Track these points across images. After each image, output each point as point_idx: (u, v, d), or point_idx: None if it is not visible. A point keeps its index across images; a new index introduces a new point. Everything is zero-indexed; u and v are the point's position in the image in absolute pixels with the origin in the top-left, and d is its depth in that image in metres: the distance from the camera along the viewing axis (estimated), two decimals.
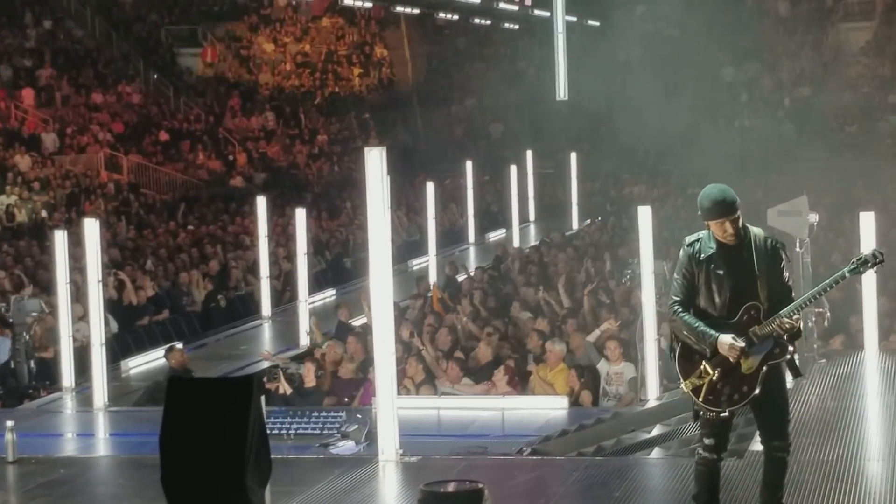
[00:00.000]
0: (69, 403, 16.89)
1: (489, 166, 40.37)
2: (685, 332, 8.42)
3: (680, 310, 8.41)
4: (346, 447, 13.47)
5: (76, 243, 18.82)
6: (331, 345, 18.02)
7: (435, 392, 16.32)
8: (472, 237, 33.41)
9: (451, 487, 8.07)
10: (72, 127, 39.73)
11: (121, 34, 46.18)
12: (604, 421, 13.99)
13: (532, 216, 36.84)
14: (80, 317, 19.08)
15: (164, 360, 18.92)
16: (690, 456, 11.84)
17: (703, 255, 8.40)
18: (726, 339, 8.25)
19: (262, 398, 7.67)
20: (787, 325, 8.28)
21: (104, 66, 44.26)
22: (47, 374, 18.71)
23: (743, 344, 8.25)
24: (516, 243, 31.38)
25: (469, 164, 33.33)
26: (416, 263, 29.50)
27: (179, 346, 18.59)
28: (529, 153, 36.57)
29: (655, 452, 12.47)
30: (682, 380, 8.47)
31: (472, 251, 32.37)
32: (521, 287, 22.44)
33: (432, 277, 26.53)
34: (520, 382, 16.27)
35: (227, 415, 7.36)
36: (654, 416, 13.73)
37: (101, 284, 16.92)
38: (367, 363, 16.69)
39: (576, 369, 16.48)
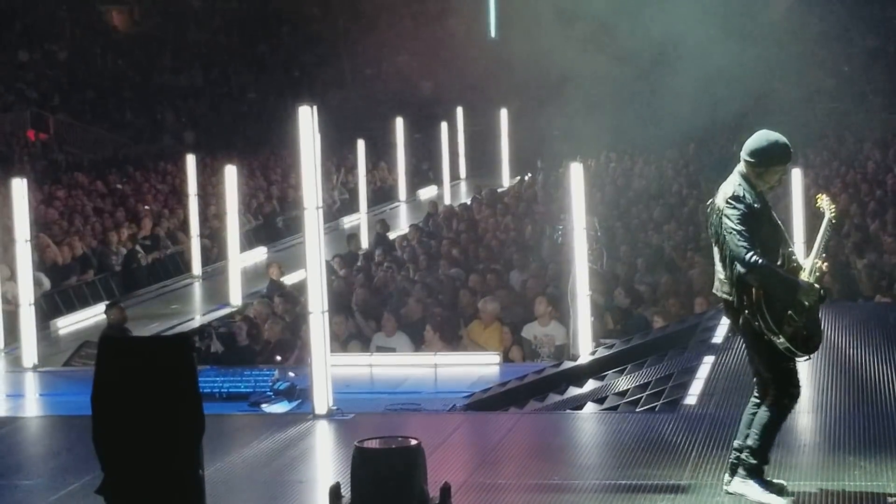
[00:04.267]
0: None
1: (420, 124, 40.29)
2: (773, 281, 8.28)
3: (763, 261, 8.21)
4: (278, 405, 13.45)
5: (2, 203, 18.63)
6: (257, 304, 17.98)
7: (362, 348, 16.36)
8: (402, 195, 33.38)
9: (385, 444, 8.06)
10: None
11: None
12: (536, 377, 14.03)
13: (463, 173, 36.86)
14: (8, 277, 18.90)
15: (93, 319, 18.80)
16: (627, 410, 11.97)
17: (757, 206, 8.35)
18: (806, 283, 8.34)
19: (194, 356, 7.61)
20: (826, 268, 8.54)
21: (29, 24, 43.69)
22: None
23: (819, 286, 8.38)
24: (447, 200, 31.41)
25: (399, 122, 33.26)
26: (348, 221, 29.48)
27: (120, 303, 18.53)
28: (460, 110, 36.54)
29: (588, 407, 12.53)
30: (776, 332, 8.25)
31: (402, 209, 32.35)
32: (450, 243, 22.47)
33: (364, 236, 26.54)
34: (450, 336, 16.34)
35: (159, 373, 7.28)
36: (587, 371, 13.79)
37: (29, 244, 16.75)
38: (298, 322, 16.68)
39: (509, 326, 16.58)
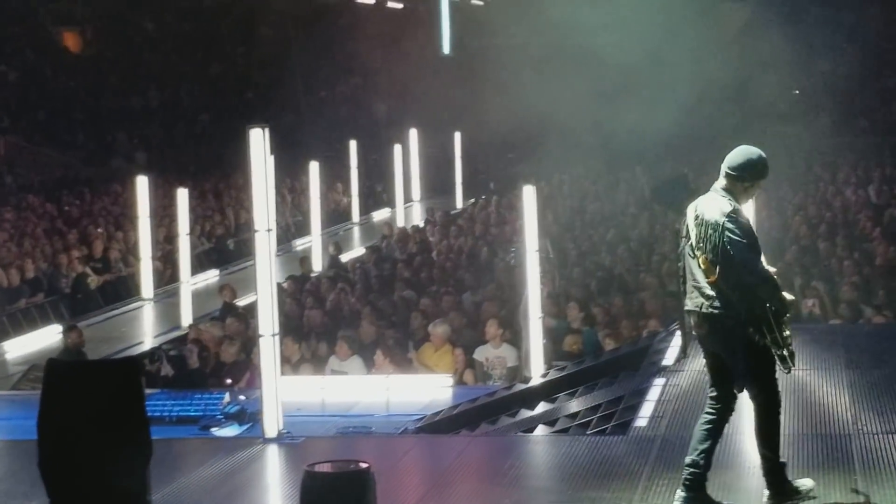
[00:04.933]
0: None
1: (374, 146, 40.28)
2: (776, 294, 8.48)
3: (769, 273, 8.48)
4: (228, 429, 13.37)
5: None
6: (209, 326, 17.90)
7: (314, 371, 16.30)
8: (356, 217, 33.35)
9: (335, 468, 8.01)
10: None
11: None
12: (488, 399, 14.02)
13: (417, 195, 36.86)
14: None
15: (42, 343, 18.67)
16: (578, 432, 11.95)
17: (746, 219, 8.59)
18: (789, 296, 8.62)
19: (143, 380, 7.55)
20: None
21: None
22: None
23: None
24: (401, 223, 31.39)
25: (353, 144, 33.24)
26: (301, 244, 29.40)
27: (77, 326, 18.48)
28: (414, 132, 36.56)
29: (539, 430, 12.52)
30: (780, 345, 8.45)
31: (356, 231, 32.32)
32: (403, 266, 22.46)
33: (317, 257, 26.47)
34: (402, 360, 16.30)
35: (106, 398, 7.22)
36: (538, 394, 13.78)
37: None
38: (249, 345, 16.60)
39: (462, 348, 16.56)
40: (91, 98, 43.93)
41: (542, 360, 15.00)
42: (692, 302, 8.65)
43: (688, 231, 8.68)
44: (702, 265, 8.53)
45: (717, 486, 8.88)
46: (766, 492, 8.72)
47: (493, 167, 38.99)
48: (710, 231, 8.46)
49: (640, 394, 12.22)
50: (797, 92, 43.37)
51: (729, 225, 8.41)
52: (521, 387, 14.25)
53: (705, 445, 8.61)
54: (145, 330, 21.91)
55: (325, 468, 8.02)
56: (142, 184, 23.78)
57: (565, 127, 38.98)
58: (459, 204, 35.12)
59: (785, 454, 9.97)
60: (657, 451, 10.34)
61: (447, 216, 30.04)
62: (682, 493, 8.61)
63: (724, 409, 8.70)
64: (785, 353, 8.44)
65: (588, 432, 11.88)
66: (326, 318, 18.84)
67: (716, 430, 8.67)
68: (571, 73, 42.24)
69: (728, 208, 8.46)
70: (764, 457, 8.72)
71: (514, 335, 16.26)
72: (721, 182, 8.64)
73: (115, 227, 28.75)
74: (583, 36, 42.62)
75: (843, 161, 34.70)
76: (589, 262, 22.19)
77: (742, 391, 8.68)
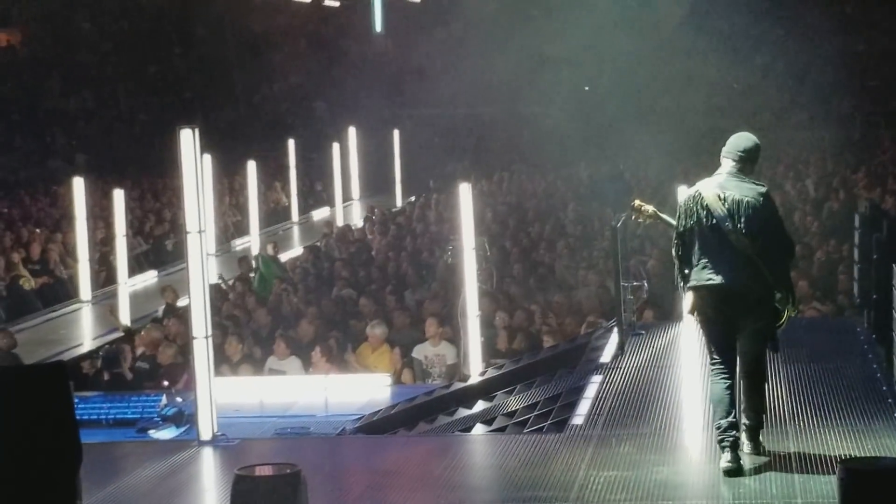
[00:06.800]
0: None
1: (313, 144, 40.17)
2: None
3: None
4: (165, 431, 13.30)
5: None
6: (149, 328, 17.78)
7: (254, 371, 16.22)
8: (295, 216, 33.25)
9: (265, 471, 7.94)
10: None
11: None
12: (426, 398, 13.99)
13: (356, 194, 36.81)
14: None
15: None
16: (515, 431, 11.94)
17: None
18: None
19: (70, 384, 7.44)
20: None
21: None
22: None
23: None
24: (340, 221, 31.33)
25: (291, 143, 33.14)
26: (240, 243, 29.29)
27: (7, 328, 18.31)
28: (352, 130, 36.49)
29: (477, 428, 12.49)
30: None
31: (295, 230, 32.22)
32: (342, 265, 22.40)
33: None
34: (340, 360, 16.25)
35: (32, 403, 7.12)
36: (476, 392, 13.75)
37: None
38: (189, 346, 16.48)
39: (400, 348, 16.52)
40: (28, 99, 43.54)
41: (481, 357, 14.98)
42: (719, 276, 9.08)
43: (709, 212, 9.05)
44: (736, 241, 8.98)
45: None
46: (748, 444, 9.46)
47: (433, 165, 38.93)
48: (750, 210, 8.96)
49: (578, 391, 12.22)
50: (736, 86, 43.56)
51: (772, 205, 9.09)
52: (459, 385, 14.22)
53: (729, 403, 9.20)
54: (84, 332, 21.74)
55: (254, 472, 7.96)
56: (78, 185, 23.61)
57: (505, 124, 39.11)
58: (399, 202, 35.07)
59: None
60: (594, 449, 10.34)
61: (387, 214, 29.99)
62: (732, 454, 9.17)
63: (733, 372, 9.24)
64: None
65: (525, 431, 11.85)
66: (269, 317, 18.75)
67: (734, 388, 9.24)
68: (510, 69, 42.36)
69: (765, 189, 9.09)
70: (754, 416, 9.39)
71: (454, 333, 16.24)
72: (733, 165, 9.15)
73: (54, 229, 28.50)
74: (521, 33, 42.73)
75: (782, 155, 34.84)
76: (528, 259, 22.17)
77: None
